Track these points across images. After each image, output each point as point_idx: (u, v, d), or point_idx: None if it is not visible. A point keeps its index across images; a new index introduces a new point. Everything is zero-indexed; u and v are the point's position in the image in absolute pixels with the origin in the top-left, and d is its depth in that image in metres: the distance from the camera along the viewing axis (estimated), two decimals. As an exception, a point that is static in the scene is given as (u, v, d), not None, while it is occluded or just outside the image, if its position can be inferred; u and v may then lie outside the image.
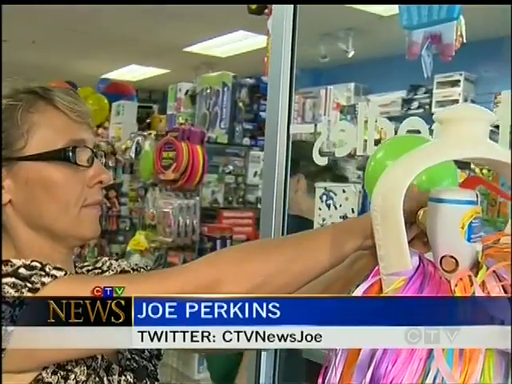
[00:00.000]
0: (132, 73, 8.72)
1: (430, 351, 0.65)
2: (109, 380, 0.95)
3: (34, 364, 0.84)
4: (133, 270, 1.14)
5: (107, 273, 1.11)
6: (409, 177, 0.71)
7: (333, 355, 0.74)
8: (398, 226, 0.72)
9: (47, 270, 0.86)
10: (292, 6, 1.58)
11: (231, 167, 4.19)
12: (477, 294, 0.68)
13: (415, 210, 0.83)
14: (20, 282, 0.82)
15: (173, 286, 0.83)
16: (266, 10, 3.15)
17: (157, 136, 4.19)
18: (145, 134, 4.48)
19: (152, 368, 1.08)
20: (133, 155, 4.48)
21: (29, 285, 0.82)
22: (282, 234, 1.56)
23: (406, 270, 0.71)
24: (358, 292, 0.74)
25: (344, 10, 5.14)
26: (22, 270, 0.85)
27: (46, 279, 0.84)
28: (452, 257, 0.75)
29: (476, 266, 0.75)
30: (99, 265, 1.14)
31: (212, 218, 4.10)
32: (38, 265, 0.87)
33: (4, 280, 0.83)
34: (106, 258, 1.16)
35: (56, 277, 0.85)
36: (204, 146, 3.79)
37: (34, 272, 0.85)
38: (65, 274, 0.86)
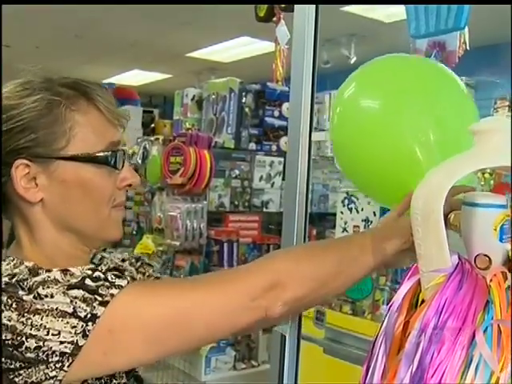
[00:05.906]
0: (135, 77, 8.78)
1: (472, 340, 0.72)
2: None
3: (104, 371, 0.88)
4: (123, 260, 1.13)
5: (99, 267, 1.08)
6: (449, 182, 0.78)
7: (377, 344, 0.80)
8: (439, 227, 0.79)
9: (110, 279, 0.87)
10: (314, 11, 1.57)
11: (237, 171, 4.22)
12: (512, 288, 0.75)
13: (447, 212, 0.91)
14: (90, 296, 0.83)
15: (240, 293, 0.87)
16: (274, 18, 3.22)
17: (164, 141, 4.25)
18: (152, 139, 4.53)
19: (137, 369, 1.09)
20: (139, 160, 4.53)
21: (99, 298, 0.83)
22: (304, 237, 1.61)
23: (447, 267, 0.79)
24: (401, 293, 0.82)
25: (346, 16, 5.20)
26: (89, 282, 0.85)
27: (113, 291, 0.85)
28: (486, 255, 0.82)
29: (506, 264, 0.82)
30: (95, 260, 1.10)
31: (219, 222, 4.15)
32: (101, 275, 0.87)
33: (73, 293, 0.83)
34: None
35: (122, 286, 0.86)
36: (211, 150, 3.85)
37: (100, 283, 0.85)
38: (127, 283, 0.88)
